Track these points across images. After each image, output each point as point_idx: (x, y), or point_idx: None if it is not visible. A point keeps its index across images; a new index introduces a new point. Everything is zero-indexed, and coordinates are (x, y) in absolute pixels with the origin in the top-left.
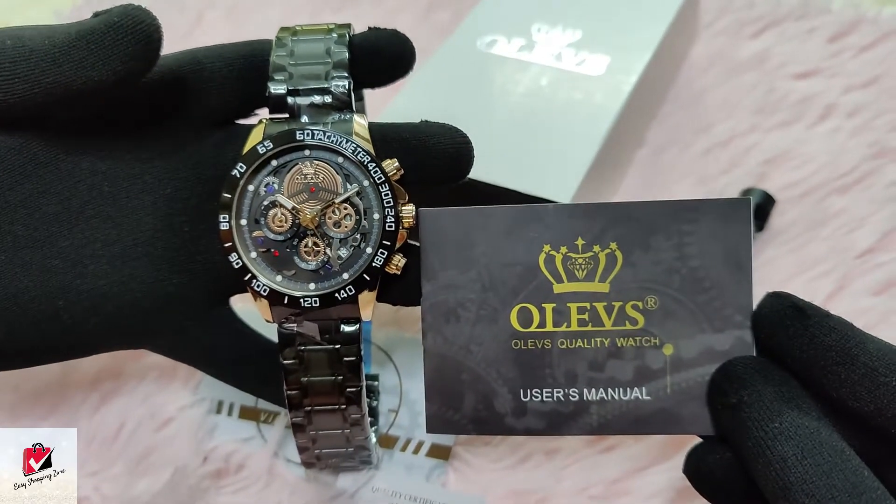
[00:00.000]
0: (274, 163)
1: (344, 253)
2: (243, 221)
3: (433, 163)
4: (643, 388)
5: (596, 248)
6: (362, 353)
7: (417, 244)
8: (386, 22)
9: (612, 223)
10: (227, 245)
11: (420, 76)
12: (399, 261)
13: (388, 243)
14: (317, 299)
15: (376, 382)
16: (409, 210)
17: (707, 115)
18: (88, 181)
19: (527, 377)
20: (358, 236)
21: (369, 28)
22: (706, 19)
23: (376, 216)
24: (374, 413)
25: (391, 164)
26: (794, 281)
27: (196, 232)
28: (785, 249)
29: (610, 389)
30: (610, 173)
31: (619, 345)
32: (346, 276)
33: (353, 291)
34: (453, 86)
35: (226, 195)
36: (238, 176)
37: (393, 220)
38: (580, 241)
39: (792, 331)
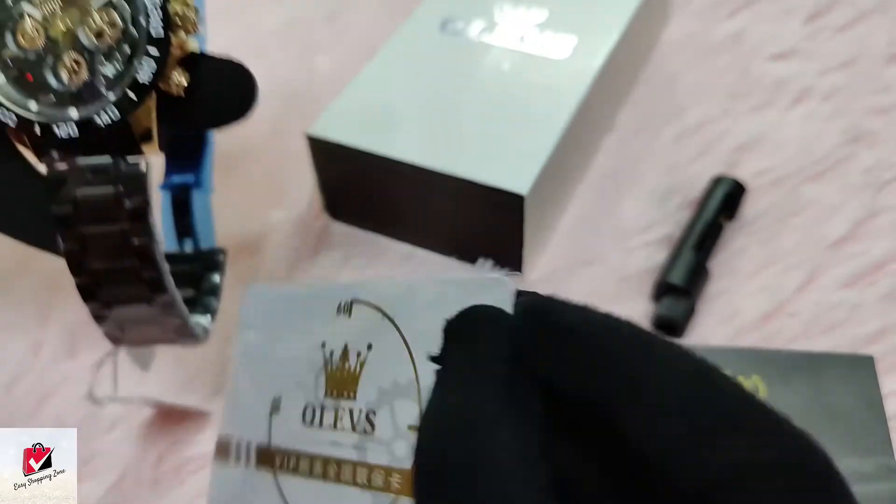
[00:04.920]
0: None
1: (110, 71)
2: None
3: None
4: None
5: (741, 378)
6: (149, 196)
7: (213, 55)
8: (351, 1)
9: (754, 362)
10: None
11: (378, 60)
12: (179, 78)
13: (157, 53)
14: (75, 126)
15: (221, 256)
16: (183, 10)
17: (679, 100)
18: None
19: None
20: (127, 48)
21: None
22: None
23: (143, 21)
24: (215, 290)
25: None
26: (763, 273)
27: None
28: (755, 239)
29: None
30: (576, 160)
31: None
32: (111, 95)
33: (118, 115)
34: (411, 70)
35: None
36: None
37: (160, 23)
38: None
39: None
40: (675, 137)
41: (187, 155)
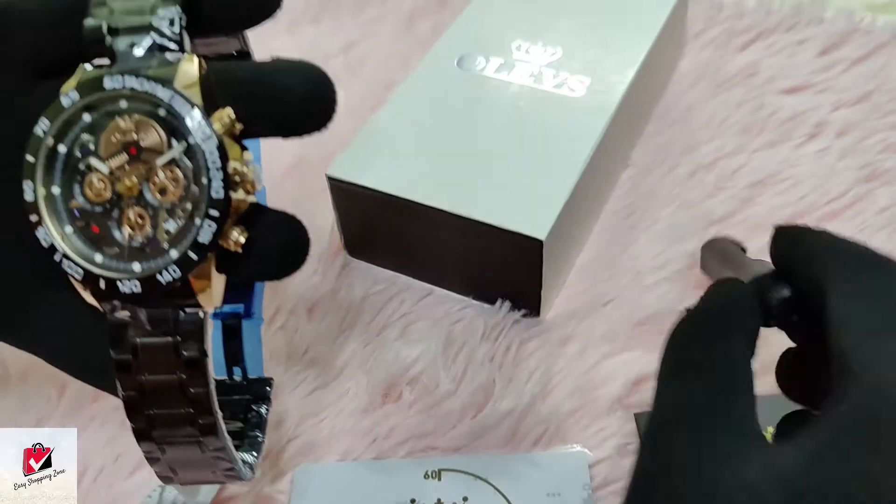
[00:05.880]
0: (87, 118)
1: (172, 226)
2: (55, 190)
3: (281, 109)
4: None
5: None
6: (208, 346)
7: (269, 209)
8: (367, 32)
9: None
10: (32, 219)
11: (396, 98)
12: (238, 236)
13: (217, 213)
14: (137, 282)
15: (268, 388)
16: (242, 168)
17: (693, 134)
18: None
19: None
20: (189, 205)
21: None
22: (694, 29)
23: (205, 181)
24: (261, 424)
25: (223, 115)
26: None
27: (13, 204)
28: None
29: None
30: (593, 199)
31: None
32: (173, 253)
33: (179, 273)
34: (429, 108)
35: (29, 158)
36: (41, 135)
37: (221, 184)
38: None
39: None
40: (689, 173)
41: (239, 285)
